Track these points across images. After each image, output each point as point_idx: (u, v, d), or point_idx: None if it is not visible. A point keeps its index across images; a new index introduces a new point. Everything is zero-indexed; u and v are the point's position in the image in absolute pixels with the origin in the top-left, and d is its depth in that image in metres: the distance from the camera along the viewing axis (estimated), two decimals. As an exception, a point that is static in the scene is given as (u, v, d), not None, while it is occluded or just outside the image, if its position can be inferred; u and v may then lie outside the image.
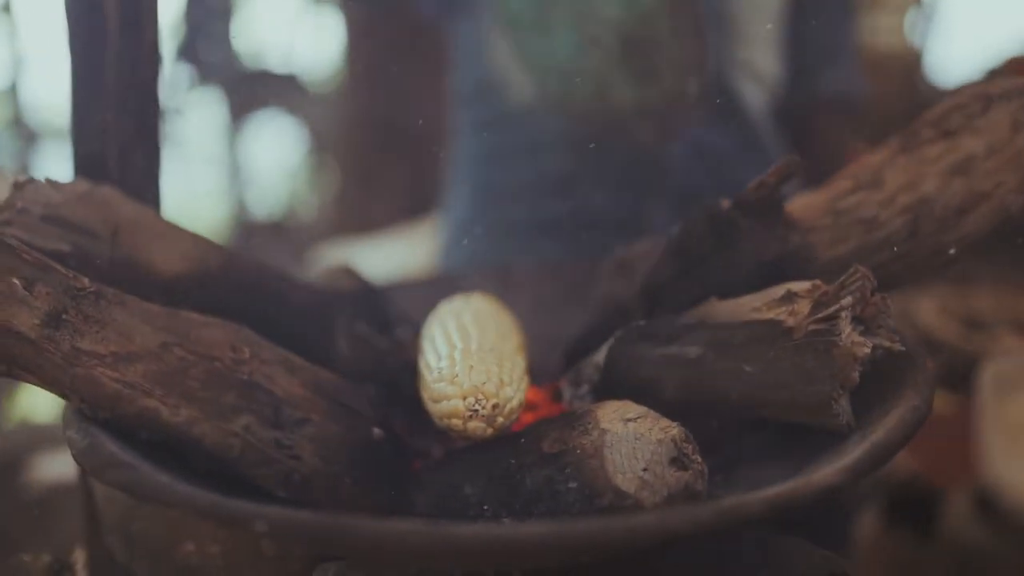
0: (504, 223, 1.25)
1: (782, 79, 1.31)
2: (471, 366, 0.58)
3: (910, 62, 2.65)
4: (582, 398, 0.67)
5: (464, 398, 0.57)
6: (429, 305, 0.91)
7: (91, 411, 0.57)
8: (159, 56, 0.74)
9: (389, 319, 0.80)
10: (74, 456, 0.54)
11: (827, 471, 0.48)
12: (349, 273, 0.82)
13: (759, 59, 1.27)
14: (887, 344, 0.59)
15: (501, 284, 0.93)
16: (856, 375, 0.57)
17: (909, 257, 0.67)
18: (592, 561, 0.51)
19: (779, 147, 1.31)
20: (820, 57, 1.35)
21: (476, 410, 0.57)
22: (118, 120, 0.71)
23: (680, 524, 0.44)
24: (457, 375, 0.58)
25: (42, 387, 0.57)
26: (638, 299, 0.70)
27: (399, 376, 0.72)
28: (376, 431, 0.63)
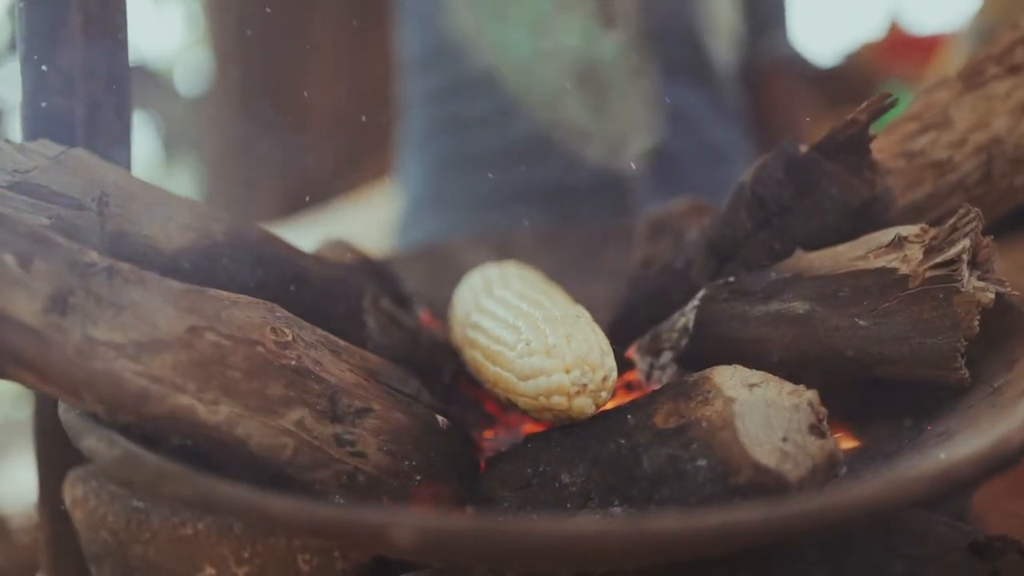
0: (470, 194, 1.16)
1: (743, 37, 1.28)
2: (568, 335, 0.50)
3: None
4: (663, 368, 0.60)
5: (568, 371, 0.49)
6: (422, 281, 0.83)
7: (109, 414, 0.47)
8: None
9: (404, 295, 0.71)
10: (106, 471, 0.44)
11: (1018, 427, 0.43)
12: (350, 247, 0.72)
13: (724, 15, 1.24)
14: (1001, 289, 0.54)
15: (496, 254, 0.85)
16: (977, 324, 0.53)
17: (982, 201, 0.63)
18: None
19: (742, 105, 1.28)
20: (769, 19, 1.33)
21: (584, 384, 0.49)
22: (87, 71, 0.59)
23: (896, 496, 0.38)
24: (554, 346, 0.50)
25: (47, 389, 0.46)
26: (703, 257, 0.64)
27: (434, 356, 0.64)
28: (441, 419, 0.54)
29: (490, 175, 1.16)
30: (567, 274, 0.88)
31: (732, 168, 1.16)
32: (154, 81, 3.51)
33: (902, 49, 2.41)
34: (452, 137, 1.21)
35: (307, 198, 2.46)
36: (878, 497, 0.37)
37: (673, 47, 1.17)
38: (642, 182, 1.13)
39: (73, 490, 0.62)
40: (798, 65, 1.36)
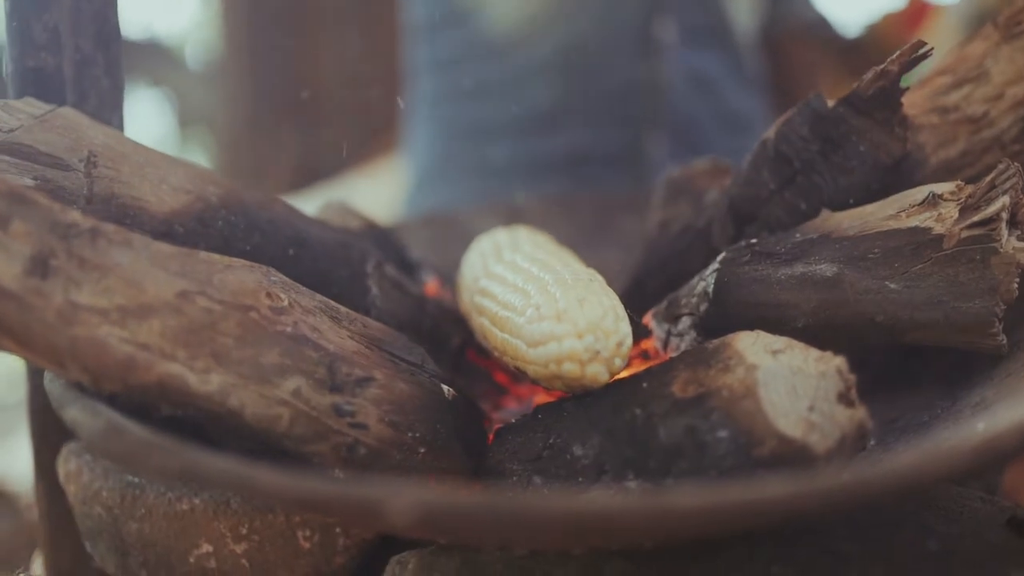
0: (479, 163, 1.13)
1: (764, 2, 1.24)
2: (581, 299, 0.47)
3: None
4: (682, 335, 0.57)
5: (580, 337, 0.46)
6: (430, 248, 0.80)
7: (94, 383, 0.44)
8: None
9: (410, 261, 0.68)
10: (89, 442, 0.41)
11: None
12: (351, 212, 0.69)
13: None
14: (1043, 250, 0.51)
15: (506, 221, 0.82)
16: (1016, 287, 0.49)
17: (1019, 159, 0.60)
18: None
19: (763, 72, 1.24)
20: None
21: (598, 350, 0.46)
22: (75, 26, 0.57)
23: (937, 468, 0.35)
24: (566, 310, 0.47)
25: (29, 356, 0.44)
26: (724, 218, 0.60)
27: (440, 324, 0.61)
28: (447, 389, 0.51)
29: (500, 144, 1.12)
30: (579, 242, 0.85)
31: (752, 136, 1.12)
32: (167, 57, 3.49)
33: (921, 19, 2.36)
34: (461, 105, 1.17)
35: (317, 172, 2.43)
36: (917, 470, 0.34)
37: (694, 13, 1.13)
38: (659, 150, 1.09)
39: (67, 464, 0.60)
40: (821, 31, 1.32)
